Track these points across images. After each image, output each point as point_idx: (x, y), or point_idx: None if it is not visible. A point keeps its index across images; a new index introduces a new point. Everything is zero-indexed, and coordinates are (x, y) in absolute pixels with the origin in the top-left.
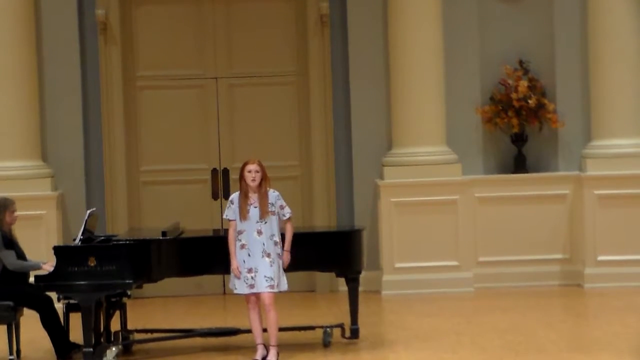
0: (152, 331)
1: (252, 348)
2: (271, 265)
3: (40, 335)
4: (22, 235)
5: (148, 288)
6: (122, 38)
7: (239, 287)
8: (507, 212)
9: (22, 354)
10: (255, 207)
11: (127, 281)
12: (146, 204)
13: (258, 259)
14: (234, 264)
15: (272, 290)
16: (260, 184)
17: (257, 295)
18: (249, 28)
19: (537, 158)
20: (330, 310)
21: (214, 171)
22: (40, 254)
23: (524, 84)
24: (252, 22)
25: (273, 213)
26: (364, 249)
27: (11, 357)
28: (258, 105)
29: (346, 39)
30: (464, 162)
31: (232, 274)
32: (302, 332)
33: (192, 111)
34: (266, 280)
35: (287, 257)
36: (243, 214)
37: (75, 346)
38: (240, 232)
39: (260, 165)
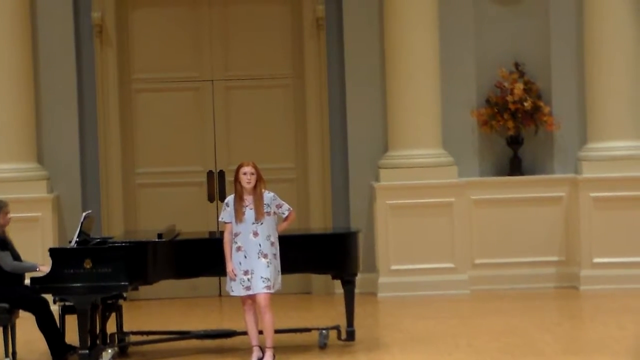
0: (147, 333)
1: (248, 350)
2: (268, 266)
3: (36, 337)
4: (18, 237)
5: (144, 290)
6: (118, 41)
7: (236, 289)
8: (502, 214)
9: (18, 356)
10: (251, 209)
11: (123, 283)
12: (142, 206)
13: (254, 261)
14: (229, 266)
15: (268, 291)
16: (255, 186)
17: (253, 297)
18: (245, 31)
19: (532, 160)
20: (326, 312)
21: (210, 173)
22: (36, 256)
23: (519, 86)
24: (248, 24)
25: (269, 214)
26: (359, 251)
27: (7, 359)
28: (254, 108)
29: (342, 41)
30: (459, 164)
31: (228, 277)
32: (298, 334)
33: (188, 114)
34: (262, 281)
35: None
36: (238, 216)
37: (71, 348)
38: (236, 235)
39: (255, 167)
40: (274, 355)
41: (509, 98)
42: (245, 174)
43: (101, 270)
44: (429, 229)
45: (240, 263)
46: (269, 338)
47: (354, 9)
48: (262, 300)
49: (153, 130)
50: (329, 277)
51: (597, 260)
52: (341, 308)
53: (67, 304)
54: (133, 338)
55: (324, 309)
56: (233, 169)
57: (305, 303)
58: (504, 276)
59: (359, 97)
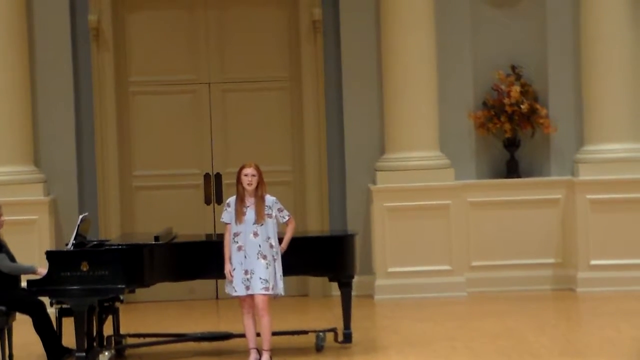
0: (144, 336)
1: (245, 352)
2: (267, 268)
3: (32, 340)
4: (14, 240)
5: (141, 293)
6: (115, 43)
7: (238, 289)
8: (499, 216)
9: (15, 359)
10: (252, 210)
11: (120, 286)
12: (139, 208)
13: (254, 261)
14: (227, 267)
15: (266, 293)
16: (257, 188)
17: (252, 298)
18: (242, 33)
19: (529, 163)
20: (323, 314)
21: (207, 176)
22: (32, 259)
23: (516, 89)
24: (245, 27)
25: (270, 216)
26: (356, 254)
27: None
28: (251, 111)
29: (339, 44)
30: (456, 167)
31: (227, 279)
32: (295, 336)
33: (184, 116)
34: (261, 283)
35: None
36: (239, 216)
37: (68, 351)
38: (236, 234)
39: (257, 169)
40: (271, 358)
41: (506, 100)
42: (246, 175)
43: (98, 273)
44: (426, 232)
45: (241, 263)
46: (267, 340)
47: (351, 12)
48: (260, 302)
49: (150, 133)
50: (326, 279)
51: (593, 262)
52: (338, 310)
53: (64, 306)
54: (130, 340)
55: (321, 311)
56: (230, 171)
57: (303, 305)
58: (501, 278)
59: (355, 99)
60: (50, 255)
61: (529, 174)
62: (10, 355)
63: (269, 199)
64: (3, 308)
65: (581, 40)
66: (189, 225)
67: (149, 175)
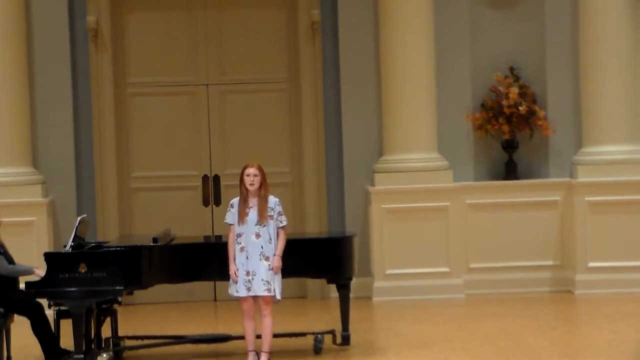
0: (143, 338)
1: (244, 355)
2: (269, 269)
3: (30, 342)
4: (13, 241)
5: (139, 294)
6: (113, 45)
7: (240, 290)
8: (498, 218)
9: None
10: (255, 211)
11: (118, 288)
12: (137, 210)
13: (256, 262)
14: (232, 268)
15: (269, 294)
16: (259, 188)
17: (253, 299)
18: (240, 35)
19: (527, 165)
20: (321, 316)
21: (205, 178)
22: (31, 260)
23: (514, 90)
24: (244, 28)
25: (272, 218)
26: (355, 256)
27: None
28: (249, 112)
29: (337, 45)
30: (455, 168)
31: (230, 279)
32: (293, 338)
33: (183, 118)
34: (263, 284)
35: (277, 261)
36: (242, 217)
37: (66, 353)
38: (239, 235)
39: (259, 169)
40: None
41: (504, 102)
42: (248, 175)
43: (96, 275)
44: (424, 233)
45: (243, 264)
46: (267, 342)
47: (349, 13)
48: (262, 303)
49: (148, 134)
50: (324, 281)
51: (592, 264)
52: (336, 312)
53: (62, 308)
54: (128, 342)
55: (319, 313)
56: (228, 173)
57: (301, 307)
58: (499, 280)
59: (354, 101)
60: (48, 256)
61: (528, 176)
62: (9, 357)
63: (272, 200)
64: (1, 310)
65: (579, 41)
66: (188, 227)
67: (147, 176)
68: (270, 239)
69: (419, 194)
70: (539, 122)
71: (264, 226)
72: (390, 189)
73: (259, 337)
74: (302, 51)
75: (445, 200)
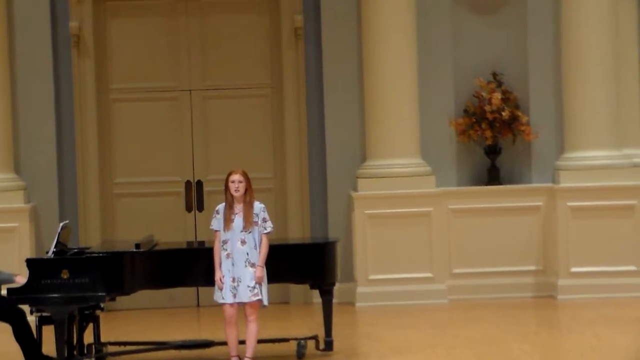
0: (125, 344)
1: None
2: (254, 276)
3: (12, 349)
4: None
5: (121, 300)
6: (96, 50)
7: (226, 296)
8: (480, 223)
9: None
10: (240, 217)
11: (100, 294)
12: (120, 216)
13: (241, 269)
14: (218, 274)
15: (255, 299)
16: (245, 194)
17: (237, 306)
18: (223, 40)
19: (510, 170)
20: (304, 322)
21: (188, 183)
22: (12, 266)
23: (497, 96)
24: (226, 34)
25: (257, 224)
26: (338, 261)
27: None
28: (232, 118)
29: (320, 51)
30: (437, 174)
31: (216, 285)
32: (276, 344)
33: (166, 123)
34: (249, 290)
35: (259, 271)
36: (227, 223)
37: (48, 359)
38: (224, 242)
39: (244, 175)
40: None
41: (487, 108)
42: (233, 182)
43: (78, 281)
44: (407, 239)
45: (229, 270)
46: (251, 347)
47: (332, 19)
48: (248, 309)
49: (131, 140)
50: (307, 286)
51: (574, 269)
52: (319, 318)
53: (44, 314)
54: (110, 348)
55: (302, 318)
56: (211, 179)
57: (283, 313)
58: (482, 285)
59: (337, 106)
60: (30, 263)
61: (510, 181)
62: None
63: (257, 206)
64: None
65: (562, 47)
66: (170, 233)
67: (129, 182)
68: (256, 245)
69: (401, 199)
70: (522, 128)
71: (250, 232)
72: (373, 195)
73: (241, 342)
74: (285, 57)
75: (428, 205)
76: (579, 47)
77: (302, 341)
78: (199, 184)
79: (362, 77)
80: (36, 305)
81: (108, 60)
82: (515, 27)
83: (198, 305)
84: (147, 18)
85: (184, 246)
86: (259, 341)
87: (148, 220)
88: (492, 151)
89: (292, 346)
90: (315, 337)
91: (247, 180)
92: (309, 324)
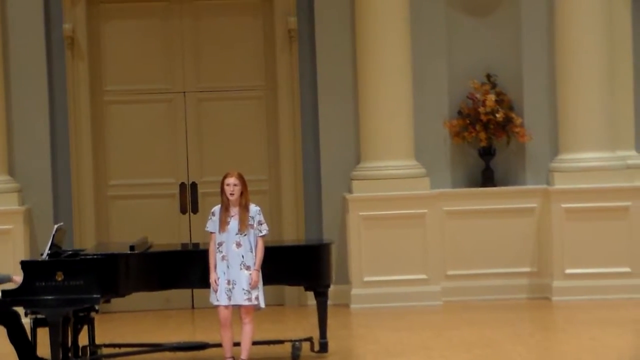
0: (120, 346)
1: None
2: (249, 278)
3: (7, 351)
4: None
5: (116, 303)
6: (90, 52)
7: (221, 298)
8: (475, 225)
9: None
10: (235, 220)
11: (95, 296)
12: (114, 218)
13: (236, 271)
14: (213, 276)
15: (249, 303)
16: (240, 197)
17: (232, 308)
18: (217, 42)
19: (504, 172)
20: (299, 324)
21: (182, 185)
22: (7, 269)
23: (491, 98)
24: (220, 36)
25: (252, 227)
26: (332, 263)
27: None
28: (226, 120)
29: (314, 53)
30: (432, 175)
31: (211, 288)
32: (271, 346)
33: (160, 125)
34: (244, 293)
35: (255, 275)
36: (222, 226)
37: None
38: (220, 244)
39: (240, 178)
40: None
41: (481, 109)
42: (228, 185)
43: (73, 283)
44: (402, 241)
45: (224, 272)
46: (245, 349)
47: (326, 20)
48: (243, 311)
49: (125, 142)
50: (301, 288)
51: (569, 271)
52: (314, 320)
53: (38, 316)
54: (105, 351)
55: (296, 320)
56: (205, 180)
57: (278, 315)
58: (477, 287)
59: (331, 108)
60: (25, 265)
61: (505, 183)
62: None
63: (253, 208)
64: None
65: (556, 49)
66: (165, 235)
67: (124, 184)
68: (251, 248)
69: (396, 201)
70: (516, 129)
71: (245, 235)
72: (368, 196)
73: (236, 344)
74: (279, 58)
75: (423, 207)
76: (573, 48)
77: (297, 343)
78: (194, 185)
79: (356, 78)
80: (31, 308)
81: (102, 62)
82: (509, 29)
83: (193, 307)
84: (141, 20)
85: (179, 248)
86: (254, 343)
87: (143, 222)
88: (487, 153)
89: (287, 348)
90: (310, 339)
91: (243, 182)
92: (303, 326)
